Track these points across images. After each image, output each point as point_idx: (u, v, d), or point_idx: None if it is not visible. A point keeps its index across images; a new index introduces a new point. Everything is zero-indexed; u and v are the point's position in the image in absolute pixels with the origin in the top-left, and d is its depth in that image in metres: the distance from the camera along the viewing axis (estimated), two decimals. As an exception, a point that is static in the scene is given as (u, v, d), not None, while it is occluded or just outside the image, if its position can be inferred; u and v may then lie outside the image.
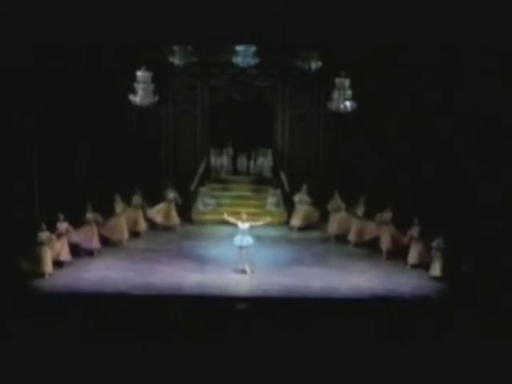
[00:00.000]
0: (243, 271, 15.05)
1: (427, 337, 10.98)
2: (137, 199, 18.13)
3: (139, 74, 17.23)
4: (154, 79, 17.41)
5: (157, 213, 18.45)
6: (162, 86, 18.73)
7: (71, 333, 10.87)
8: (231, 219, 15.48)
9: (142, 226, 18.07)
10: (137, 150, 20.56)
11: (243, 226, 15.17)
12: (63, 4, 11.97)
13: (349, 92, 17.24)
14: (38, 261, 14.42)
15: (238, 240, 15.15)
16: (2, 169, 16.29)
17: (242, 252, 15.15)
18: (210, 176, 20.99)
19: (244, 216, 15.36)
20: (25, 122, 16.77)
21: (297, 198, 18.91)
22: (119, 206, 17.55)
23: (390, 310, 12.91)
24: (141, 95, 17.21)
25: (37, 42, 12.76)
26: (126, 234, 17.24)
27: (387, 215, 16.60)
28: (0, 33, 12.17)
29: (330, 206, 18.19)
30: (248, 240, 15.16)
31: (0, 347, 10.21)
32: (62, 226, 15.43)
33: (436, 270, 14.78)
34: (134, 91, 17.27)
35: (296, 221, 18.90)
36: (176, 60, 17.76)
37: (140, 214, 18.07)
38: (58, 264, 15.04)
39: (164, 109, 20.59)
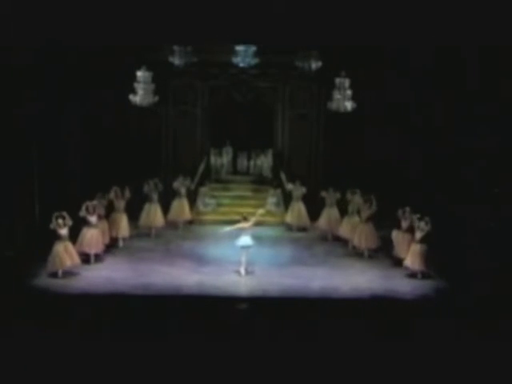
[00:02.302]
0: (238, 272, 14.95)
1: (427, 337, 10.97)
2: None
3: (139, 74, 17.24)
4: (154, 79, 17.41)
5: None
6: (162, 86, 18.73)
7: (70, 333, 10.86)
8: (236, 226, 15.15)
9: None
10: (137, 150, 20.56)
11: (246, 226, 15.01)
12: (63, 4, 11.96)
13: (349, 92, 17.25)
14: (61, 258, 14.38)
15: (243, 241, 14.98)
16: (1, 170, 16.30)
17: (244, 253, 15.02)
18: (210, 176, 21.02)
19: (244, 219, 15.15)
20: (24, 122, 16.79)
21: (294, 194, 18.84)
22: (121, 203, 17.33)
23: (390, 310, 12.91)
24: (141, 95, 17.22)
25: (37, 41, 12.74)
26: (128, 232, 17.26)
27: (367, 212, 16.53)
28: (1, 31, 12.15)
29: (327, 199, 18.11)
30: (250, 241, 15.05)
31: (0, 347, 10.21)
32: (93, 218, 15.46)
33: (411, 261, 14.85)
34: (134, 91, 17.27)
35: (290, 218, 18.89)
36: (176, 60, 17.76)
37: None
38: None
39: (164, 109, 20.59)
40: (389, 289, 14.18)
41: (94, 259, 15.56)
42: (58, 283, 14.14)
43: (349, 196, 17.36)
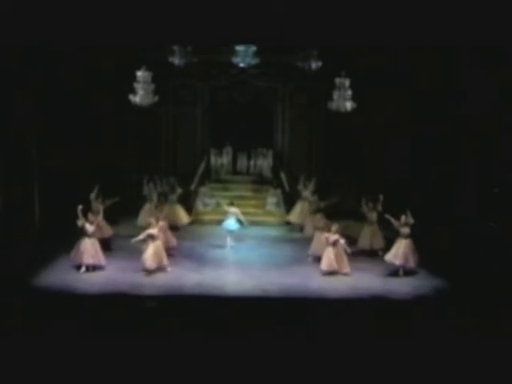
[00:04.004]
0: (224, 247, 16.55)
1: (427, 337, 10.97)
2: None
3: (139, 74, 17.20)
4: (154, 79, 17.40)
5: None
6: (162, 86, 18.72)
7: (71, 333, 10.86)
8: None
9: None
10: (137, 150, 20.56)
11: (232, 210, 16.71)
12: (63, 4, 11.96)
13: (349, 92, 17.25)
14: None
15: (227, 224, 16.70)
16: (1, 170, 16.31)
17: (229, 234, 16.69)
18: (210, 176, 21.03)
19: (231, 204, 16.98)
20: (24, 122, 16.79)
21: (303, 194, 18.78)
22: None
23: (390, 310, 12.91)
24: (141, 95, 17.17)
25: (37, 42, 12.74)
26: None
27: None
28: (1, 31, 12.16)
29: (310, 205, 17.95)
30: (234, 224, 16.71)
31: (0, 347, 10.21)
32: (91, 227, 15.02)
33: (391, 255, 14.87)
34: (133, 91, 17.27)
35: (294, 217, 18.89)
36: (176, 60, 17.74)
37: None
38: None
39: (164, 109, 20.60)
40: (388, 289, 14.18)
41: (93, 271, 14.98)
42: (58, 283, 14.13)
43: (365, 208, 16.61)
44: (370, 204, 16.54)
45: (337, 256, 14.85)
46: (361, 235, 16.62)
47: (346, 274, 14.84)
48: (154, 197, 18.07)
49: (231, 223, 16.74)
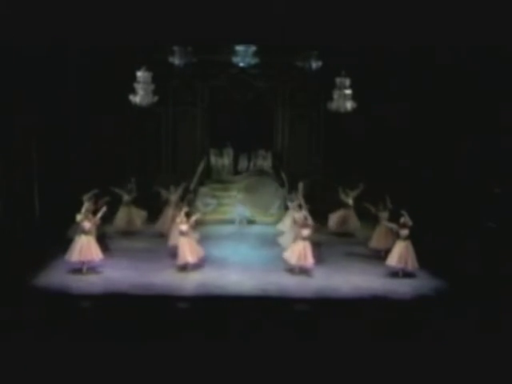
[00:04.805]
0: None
1: (427, 337, 10.97)
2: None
3: (139, 74, 17.20)
4: (154, 79, 17.39)
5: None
6: (162, 86, 18.71)
7: (70, 333, 10.86)
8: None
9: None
10: (137, 150, 20.56)
11: (240, 197, 18.67)
12: (63, 4, 11.97)
13: (349, 92, 17.24)
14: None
15: (242, 211, 18.66)
16: (1, 169, 16.31)
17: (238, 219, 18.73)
18: (211, 176, 21.03)
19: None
20: (24, 122, 16.79)
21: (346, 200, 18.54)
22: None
23: (390, 310, 12.91)
24: (141, 95, 17.18)
25: (36, 41, 12.75)
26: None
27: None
28: (3, 31, 12.16)
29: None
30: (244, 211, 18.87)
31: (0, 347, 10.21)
32: (88, 224, 14.77)
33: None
34: (134, 91, 17.26)
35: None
36: (176, 60, 17.76)
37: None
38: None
39: (164, 109, 20.60)
40: (389, 289, 14.18)
41: (87, 269, 14.79)
42: (58, 283, 14.13)
43: (373, 209, 16.63)
44: (380, 206, 16.51)
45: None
46: (374, 235, 16.57)
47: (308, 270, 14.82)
48: (173, 199, 17.82)
49: (243, 210, 18.78)
